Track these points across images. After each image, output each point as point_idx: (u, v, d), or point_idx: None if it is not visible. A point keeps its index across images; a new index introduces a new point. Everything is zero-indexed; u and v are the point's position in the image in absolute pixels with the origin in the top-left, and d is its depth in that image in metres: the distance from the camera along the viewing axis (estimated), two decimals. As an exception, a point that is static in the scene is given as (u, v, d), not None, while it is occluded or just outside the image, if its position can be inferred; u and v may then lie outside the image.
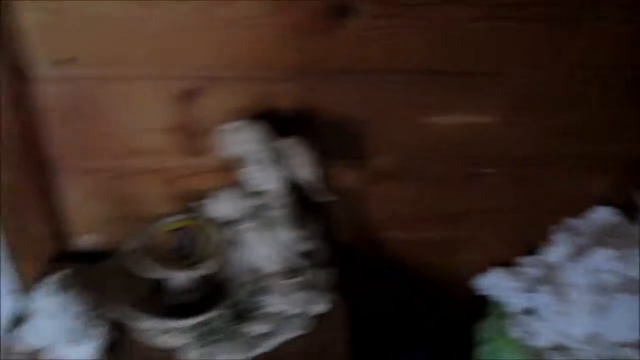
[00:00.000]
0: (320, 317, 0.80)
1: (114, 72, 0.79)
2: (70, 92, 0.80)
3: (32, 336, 0.75)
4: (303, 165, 0.75)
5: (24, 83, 0.78)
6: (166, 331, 0.76)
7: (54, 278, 0.69)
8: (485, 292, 0.98)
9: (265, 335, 0.76)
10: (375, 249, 0.96)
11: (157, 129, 0.83)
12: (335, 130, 0.84)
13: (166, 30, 0.77)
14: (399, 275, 0.98)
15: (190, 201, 0.85)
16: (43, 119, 0.81)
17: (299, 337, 0.78)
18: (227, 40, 0.78)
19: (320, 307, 0.79)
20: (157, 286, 0.80)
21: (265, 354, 0.76)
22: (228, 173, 0.85)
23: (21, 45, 0.76)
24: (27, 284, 0.95)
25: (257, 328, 0.75)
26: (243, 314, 0.76)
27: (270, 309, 0.77)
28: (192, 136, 0.84)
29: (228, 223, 0.79)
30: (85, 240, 0.94)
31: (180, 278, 0.77)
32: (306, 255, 0.80)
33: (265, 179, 0.75)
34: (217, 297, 0.80)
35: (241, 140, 0.75)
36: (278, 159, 0.75)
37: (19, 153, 0.83)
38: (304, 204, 0.81)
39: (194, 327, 0.74)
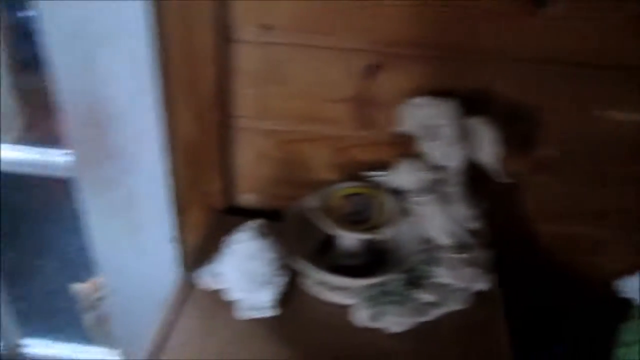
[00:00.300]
0: (481, 295, 0.82)
1: (306, 41, 0.84)
2: (263, 57, 0.85)
3: (215, 277, 0.81)
4: (486, 145, 0.78)
5: (227, 44, 0.83)
6: (337, 288, 0.80)
7: (251, 225, 0.74)
8: (628, 295, 0.97)
9: (431, 305, 0.78)
10: (524, 238, 0.97)
11: (337, 98, 0.87)
12: (507, 116, 0.86)
13: (360, 5, 0.80)
14: (545, 267, 0.99)
15: (358, 171, 0.89)
16: (234, 79, 0.87)
17: (460, 311, 0.80)
18: (417, 19, 0.81)
19: (482, 284, 0.81)
20: (326, 247, 0.84)
21: (428, 322, 0.78)
22: (397, 147, 0.88)
23: (230, 9, 0.81)
24: (192, 233, 1.03)
25: (424, 296, 0.78)
26: (414, 281, 0.79)
27: (438, 280, 0.80)
28: (368, 108, 0.87)
29: (404, 193, 0.82)
30: (247, 198, 0.99)
31: (353, 240, 0.81)
32: (473, 233, 0.82)
33: (448, 155, 0.78)
34: (381, 263, 0.83)
35: (429, 115, 0.78)
36: (463, 136, 0.77)
37: (207, 108, 0.89)
38: (473, 184, 0.83)
39: (367, 288, 0.78)
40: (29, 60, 3.02)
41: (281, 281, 0.77)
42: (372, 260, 0.84)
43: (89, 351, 1.31)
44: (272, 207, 0.98)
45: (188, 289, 0.83)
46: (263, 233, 0.73)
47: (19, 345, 1.29)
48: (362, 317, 0.77)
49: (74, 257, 2.47)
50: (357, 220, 0.81)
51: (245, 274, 0.74)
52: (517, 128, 0.88)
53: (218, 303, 0.81)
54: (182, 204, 1.00)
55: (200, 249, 0.90)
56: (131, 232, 1.07)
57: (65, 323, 2.17)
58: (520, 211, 0.95)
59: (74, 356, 1.30)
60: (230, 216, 0.97)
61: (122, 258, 1.11)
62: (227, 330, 0.77)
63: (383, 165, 0.89)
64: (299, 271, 0.80)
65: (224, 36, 0.83)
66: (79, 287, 1.85)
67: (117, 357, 1.32)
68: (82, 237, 2.66)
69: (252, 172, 0.95)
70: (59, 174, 1.02)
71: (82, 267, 2.45)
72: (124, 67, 0.87)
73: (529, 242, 0.97)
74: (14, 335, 1.30)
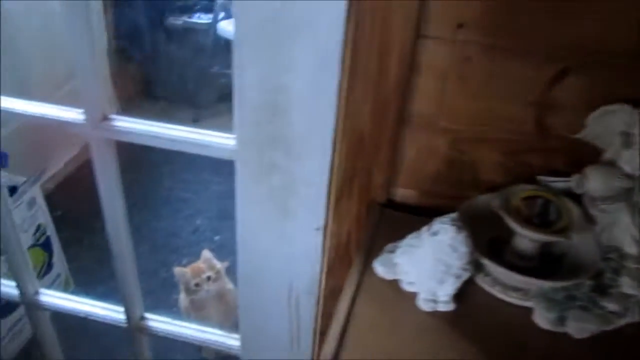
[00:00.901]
0: (660, 310, 0.80)
1: (495, 41, 0.84)
2: (449, 54, 0.86)
3: (391, 268, 0.82)
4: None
5: (416, 41, 0.85)
6: (514, 288, 0.80)
7: (449, 218, 0.75)
8: None
9: (614, 314, 0.77)
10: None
11: (518, 101, 0.87)
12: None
13: (552, 9, 0.80)
14: None
15: (528, 175, 0.89)
16: (417, 75, 0.88)
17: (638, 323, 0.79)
18: (609, 25, 0.80)
19: (663, 299, 0.80)
20: (493, 247, 0.84)
21: (609, 331, 0.77)
22: (573, 154, 0.88)
23: (427, 5, 0.82)
24: (343, 224, 1.04)
25: (610, 305, 0.77)
26: (600, 289, 0.78)
27: (622, 290, 0.79)
28: (549, 113, 0.87)
29: (585, 199, 0.81)
30: (405, 194, 1.00)
31: (531, 241, 0.81)
32: (658, 245, 0.81)
33: (642, 164, 0.77)
34: (554, 267, 0.83)
35: (625, 123, 0.77)
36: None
37: (386, 102, 0.90)
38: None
39: (550, 291, 0.78)
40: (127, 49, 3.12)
41: (466, 276, 0.77)
42: (544, 264, 0.83)
43: (208, 332, 1.33)
44: (429, 205, 0.99)
45: (362, 279, 0.84)
46: (459, 227, 0.74)
47: (143, 318, 1.33)
48: (545, 319, 0.77)
49: (163, 241, 2.54)
50: (538, 222, 0.81)
51: (433, 266, 0.75)
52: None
53: (394, 293, 0.82)
54: (340, 194, 1.01)
55: (366, 240, 0.91)
56: (281, 219, 1.08)
57: (158, 304, 2.23)
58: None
59: (194, 335, 1.33)
60: (389, 210, 0.99)
61: (265, 243, 1.13)
62: (406, 322, 0.78)
63: (555, 172, 0.89)
64: (479, 266, 0.81)
65: (417, 32, 0.84)
66: (180, 271, 1.91)
67: (237, 342, 1.34)
68: (172, 222, 2.71)
69: (416, 168, 0.96)
70: (219, 156, 1.05)
71: (171, 251, 2.51)
72: (310, 56, 0.88)
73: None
74: (139, 308, 1.34)
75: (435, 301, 0.78)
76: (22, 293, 1.45)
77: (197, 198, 2.75)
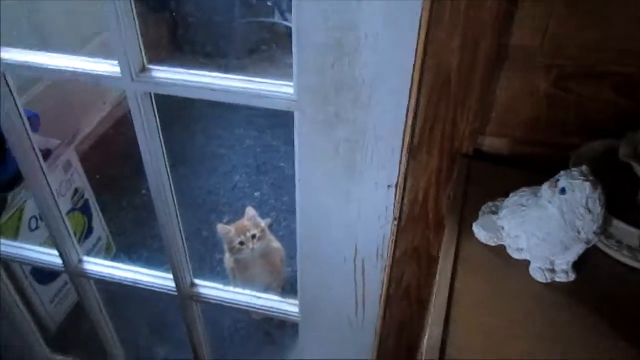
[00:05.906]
0: None
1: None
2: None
3: (494, 233, 0.70)
4: None
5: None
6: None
7: (579, 172, 0.61)
8: None
9: None
10: None
11: (637, 27, 0.72)
12: None
13: None
14: None
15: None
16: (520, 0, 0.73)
17: None
18: None
19: None
20: (619, 204, 0.71)
21: None
22: None
23: None
24: (420, 179, 0.91)
25: None
26: None
27: None
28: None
29: None
30: (494, 143, 0.87)
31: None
32: None
33: None
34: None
35: None
36: None
37: (480, 35, 0.75)
38: None
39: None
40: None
41: (595, 241, 0.64)
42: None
43: (264, 298, 1.25)
44: (523, 155, 0.85)
45: (460, 246, 0.72)
46: (594, 182, 0.60)
47: (194, 285, 1.25)
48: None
49: (202, 200, 2.45)
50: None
51: (560, 230, 0.62)
52: None
53: (499, 262, 0.70)
54: (417, 146, 0.89)
55: (457, 199, 0.78)
56: (347, 176, 0.97)
57: (203, 265, 2.16)
58: None
59: (249, 302, 1.25)
60: (477, 162, 0.85)
61: (328, 203, 1.02)
62: (518, 296, 0.67)
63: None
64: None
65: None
66: (224, 228, 1.82)
67: (295, 308, 1.26)
68: (209, 180, 2.62)
69: (510, 112, 0.82)
70: (276, 107, 0.93)
71: (211, 210, 2.43)
72: (386, -16, 0.75)
73: None
74: (188, 275, 1.25)
75: (552, 271, 0.66)
76: (66, 262, 1.37)
77: (234, 154, 2.65)
